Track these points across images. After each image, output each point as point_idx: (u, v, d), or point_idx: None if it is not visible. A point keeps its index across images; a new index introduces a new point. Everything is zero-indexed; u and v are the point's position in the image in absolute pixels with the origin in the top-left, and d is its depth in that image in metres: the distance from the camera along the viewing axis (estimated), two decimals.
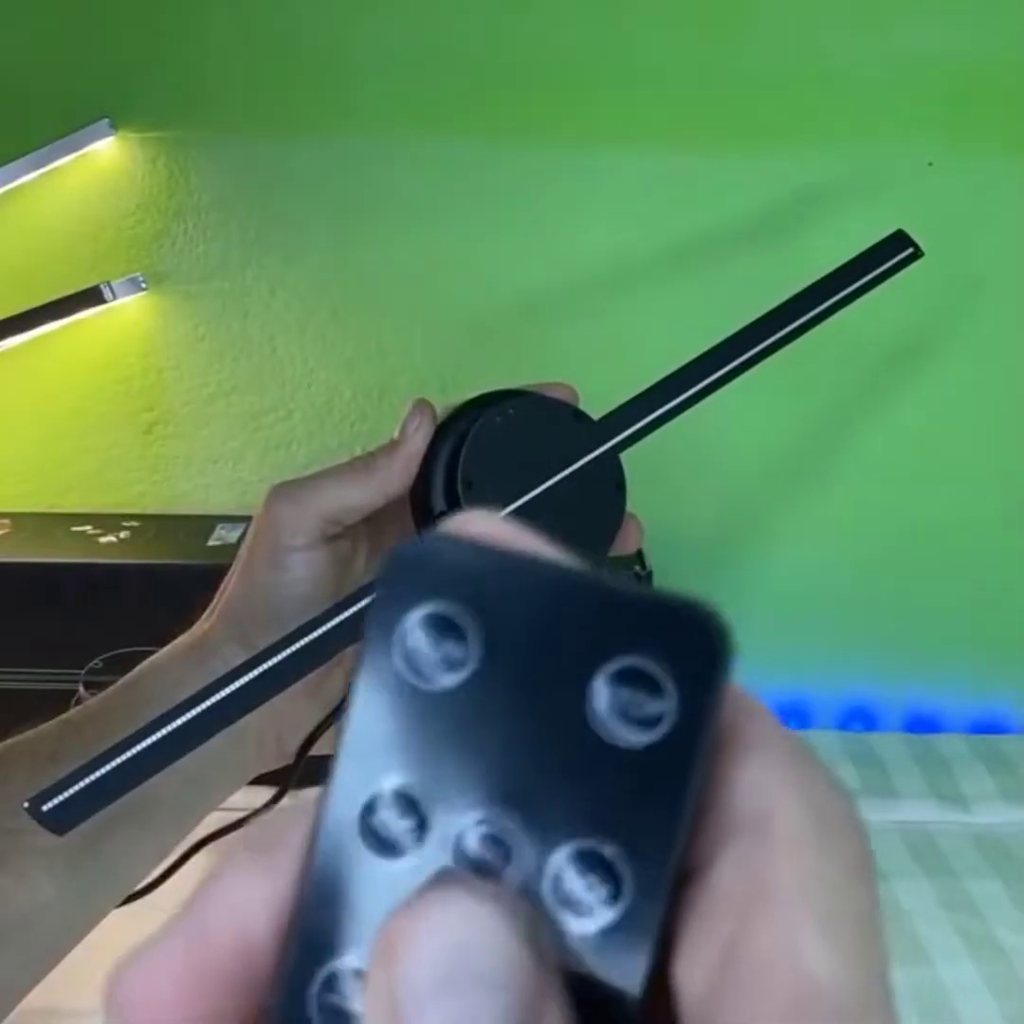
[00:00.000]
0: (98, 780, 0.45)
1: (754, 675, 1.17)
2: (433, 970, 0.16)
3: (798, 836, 0.18)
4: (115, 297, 1.09)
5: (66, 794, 0.45)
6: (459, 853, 0.18)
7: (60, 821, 0.45)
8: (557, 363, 1.10)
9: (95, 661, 1.00)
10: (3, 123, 1.08)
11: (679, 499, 1.12)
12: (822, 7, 1.04)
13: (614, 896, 0.18)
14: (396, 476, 0.55)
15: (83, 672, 0.99)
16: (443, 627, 0.19)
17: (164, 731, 0.46)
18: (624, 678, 0.18)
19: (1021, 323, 1.10)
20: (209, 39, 1.06)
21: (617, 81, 1.06)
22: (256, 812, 0.55)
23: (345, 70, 1.06)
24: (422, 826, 0.19)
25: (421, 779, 0.19)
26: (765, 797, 0.18)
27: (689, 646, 0.18)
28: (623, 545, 0.57)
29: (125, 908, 0.54)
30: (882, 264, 0.57)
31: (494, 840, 0.18)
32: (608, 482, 0.55)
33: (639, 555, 1.00)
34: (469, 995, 0.16)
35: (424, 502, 0.55)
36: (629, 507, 0.57)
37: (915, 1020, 0.79)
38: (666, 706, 0.18)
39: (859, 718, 1.15)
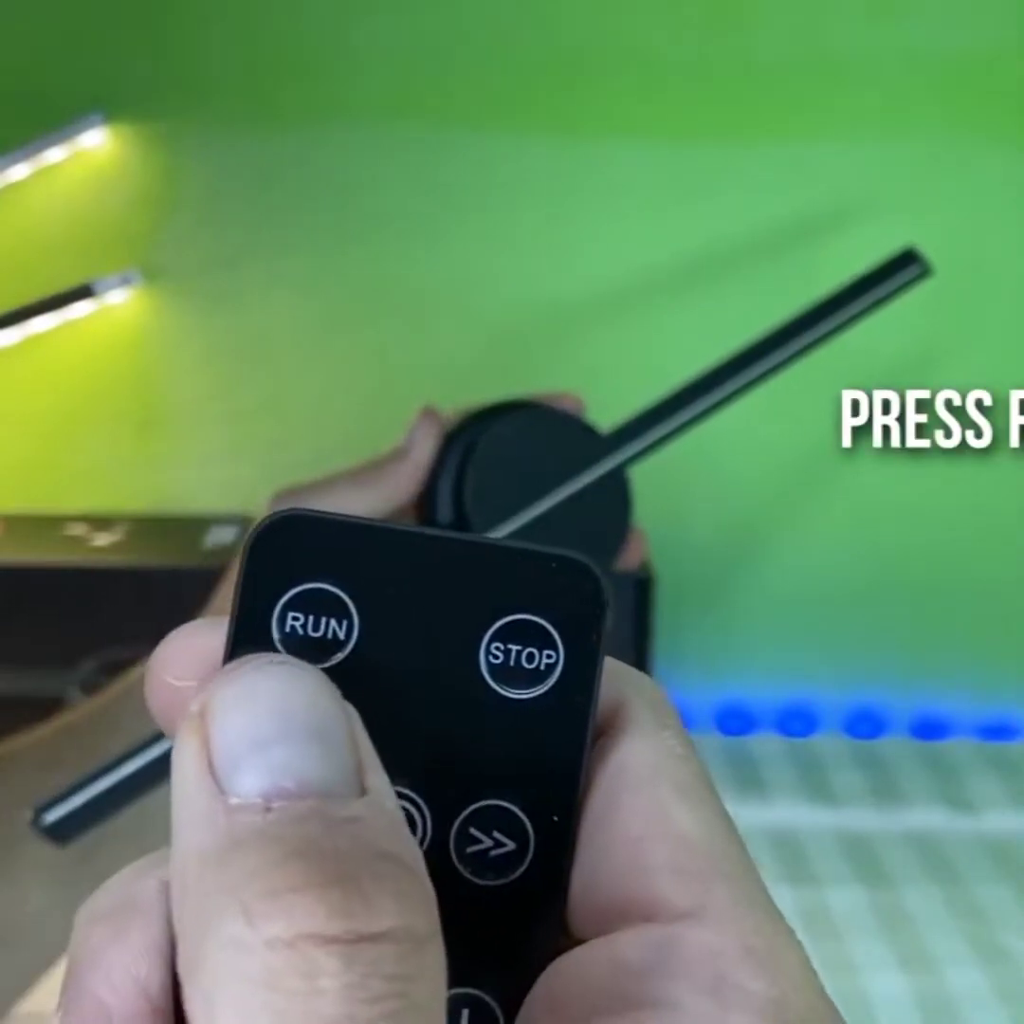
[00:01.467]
0: (101, 792, 0.44)
1: (760, 679, 1.16)
2: (247, 730, 0.16)
3: (644, 719, 0.19)
4: (107, 293, 1.08)
5: (68, 806, 0.44)
6: None
7: (62, 833, 0.44)
8: (562, 368, 1.10)
9: (88, 664, 0.99)
10: None
11: (684, 504, 1.12)
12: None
13: (521, 849, 0.19)
14: (402, 485, 0.55)
15: (76, 675, 0.98)
16: (321, 604, 0.19)
17: (168, 745, 0.45)
18: (512, 634, 0.19)
19: None
20: (204, 30, 1.05)
21: (622, 74, 1.05)
22: None
23: (344, 61, 1.05)
24: None
25: None
26: (609, 695, 0.19)
27: (569, 596, 0.19)
28: (627, 560, 0.57)
29: None
30: (891, 283, 0.57)
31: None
32: (615, 496, 0.55)
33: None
34: (290, 745, 0.16)
35: (430, 513, 0.55)
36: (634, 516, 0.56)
37: None
38: (554, 657, 0.19)
39: (866, 723, 1.14)
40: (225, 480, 1.15)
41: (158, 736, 0.46)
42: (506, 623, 0.19)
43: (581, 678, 0.19)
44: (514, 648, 0.19)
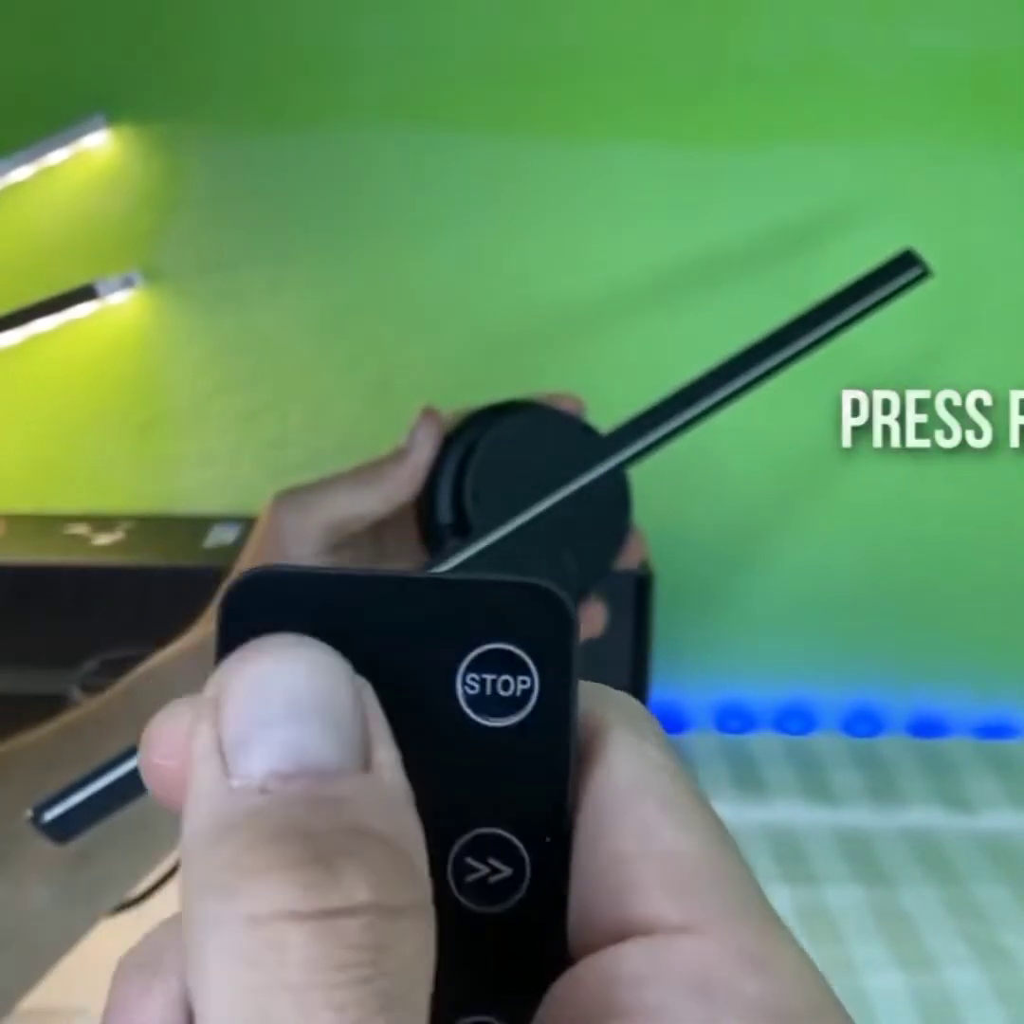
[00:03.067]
0: (100, 791, 0.44)
1: (759, 678, 1.16)
2: (256, 710, 0.17)
3: (623, 734, 0.20)
4: (109, 294, 1.08)
5: (68, 804, 0.44)
6: None
7: (61, 831, 0.45)
8: (563, 369, 1.10)
9: (89, 664, 0.99)
10: None
11: (683, 504, 1.12)
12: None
13: (518, 874, 0.19)
14: (403, 486, 0.55)
15: (77, 675, 0.98)
16: None
17: None
18: (485, 664, 0.19)
19: None
20: (205, 31, 1.05)
21: (623, 76, 1.05)
22: None
23: (345, 62, 1.05)
24: None
25: None
26: (588, 714, 0.20)
27: (537, 622, 0.19)
28: (626, 559, 0.57)
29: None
30: (890, 285, 0.57)
31: None
32: (615, 496, 0.55)
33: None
34: (295, 726, 0.17)
35: (430, 514, 0.55)
36: (633, 516, 0.56)
37: None
38: (529, 683, 0.19)
39: (864, 722, 1.15)
40: (226, 480, 1.15)
41: None
42: (479, 654, 0.19)
43: (558, 700, 0.19)
44: (489, 677, 0.19)
